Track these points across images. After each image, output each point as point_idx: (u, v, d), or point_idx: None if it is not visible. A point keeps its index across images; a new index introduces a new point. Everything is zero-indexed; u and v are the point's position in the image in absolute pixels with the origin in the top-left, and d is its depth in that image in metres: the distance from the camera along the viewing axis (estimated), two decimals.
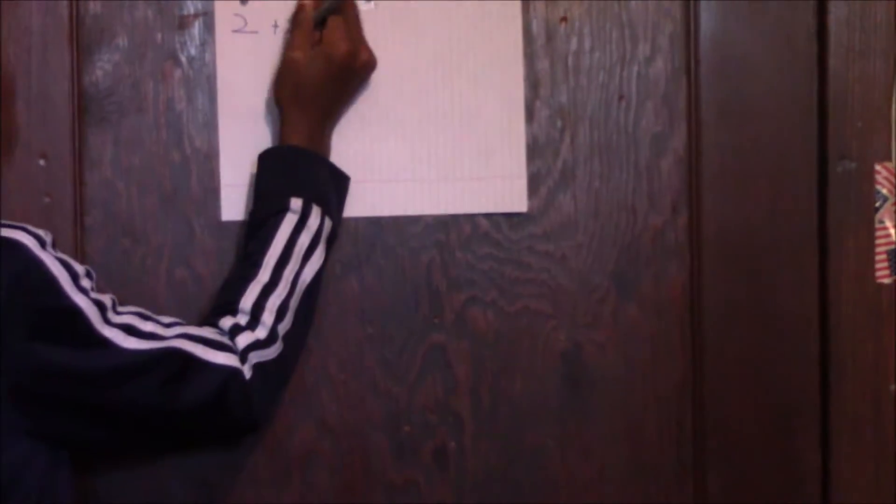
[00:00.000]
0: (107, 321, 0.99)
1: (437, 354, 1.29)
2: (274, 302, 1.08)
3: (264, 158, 1.17)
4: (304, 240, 1.12)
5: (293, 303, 1.09)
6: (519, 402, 1.30)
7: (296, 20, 1.20)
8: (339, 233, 1.17)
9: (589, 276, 1.30)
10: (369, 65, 1.21)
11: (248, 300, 1.07)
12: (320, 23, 1.20)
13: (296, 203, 1.13)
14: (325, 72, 1.17)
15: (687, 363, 1.31)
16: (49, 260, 0.96)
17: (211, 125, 1.26)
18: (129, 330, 1.00)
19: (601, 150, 1.30)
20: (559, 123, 1.30)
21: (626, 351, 1.31)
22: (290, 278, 1.09)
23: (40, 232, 0.97)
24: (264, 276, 1.09)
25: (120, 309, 1.01)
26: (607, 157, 1.30)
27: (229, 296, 1.10)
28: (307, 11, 1.19)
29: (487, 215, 1.28)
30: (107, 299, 1.01)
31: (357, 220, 1.28)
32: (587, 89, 1.30)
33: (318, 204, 1.14)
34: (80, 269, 0.99)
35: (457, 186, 1.27)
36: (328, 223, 1.14)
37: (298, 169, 1.15)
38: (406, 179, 1.28)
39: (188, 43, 1.27)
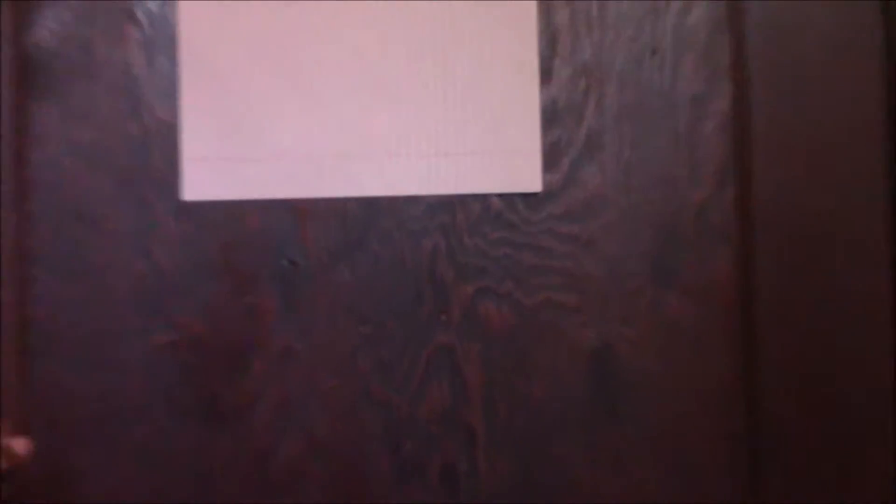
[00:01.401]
0: None
1: (443, 357, 1.14)
2: None
3: None
4: None
5: None
6: (540, 410, 1.14)
7: None
8: None
9: (621, 262, 1.14)
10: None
11: None
12: None
13: None
14: None
15: (736, 361, 1.14)
16: None
17: (173, 93, 1.12)
18: None
19: (632, 113, 1.14)
20: (582, 84, 1.14)
21: (665, 348, 1.15)
22: None
23: None
24: None
25: None
26: (639, 121, 1.14)
27: None
28: None
29: (500, 194, 1.13)
30: None
31: (346, 200, 1.13)
32: (614, 44, 1.14)
33: None
34: None
35: (461, 162, 1.11)
36: None
37: None
38: (402, 154, 1.12)
39: (146, 0, 1.11)
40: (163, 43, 1.13)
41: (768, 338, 1.14)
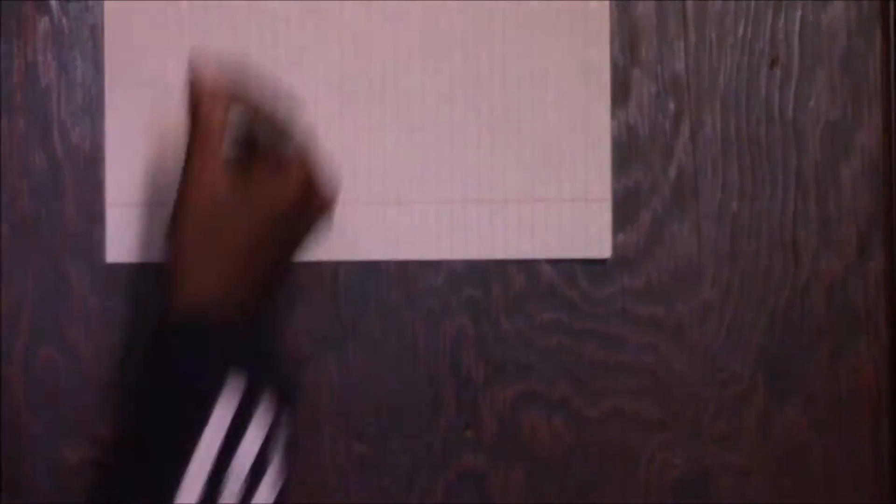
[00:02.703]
0: None
1: (469, 488, 0.97)
2: None
3: (162, 336, 0.83)
4: (248, 447, 0.80)
5: None
6: None
7: (196, 124, 0.82)
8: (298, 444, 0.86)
9: (722, 360, 0.98)
10: (325, 210, 0.87)
11: None
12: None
13: (235, 384, 0.80)
14: (254, 222, 0.83)
15: (885, 496, 0.98)
16: None
17: (97, 109, 0.94)
18: None
19: (741, 149, 0.97)
20: (671, 106, 0.96)
21: (782, 480, 0.97)
22: None
23: None
24: None
25: None
26: (752, 160, 0.97)
27: None
28: (218, 102, 0.83)
29: (553, 260, 0.97)
30: None
31: (335, 265, 0.97)
32: (718, 50, 0.97)
33: (272, 385, 0.82)
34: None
35: (499, 213, 0.96)
36: (285, 422, 0.82)
37: (228, 338, 0.83)
38: (418, 201, 0.95)
39: None
40: (81, 38, 0.94)
41: None
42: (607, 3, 0.94)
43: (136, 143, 0.93)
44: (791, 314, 0.96)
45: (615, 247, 0.95)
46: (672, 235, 0.96)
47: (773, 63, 0.96)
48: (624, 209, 0.95)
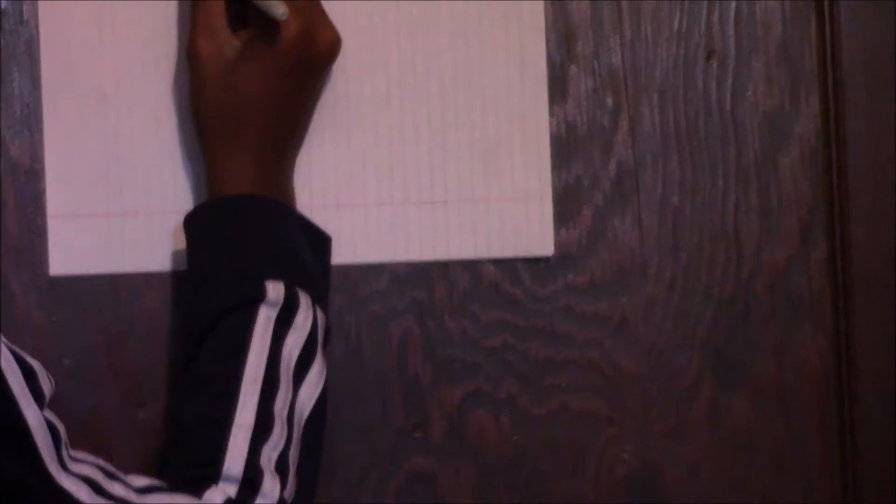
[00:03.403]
0: (63, 465, 0.82)
1: (419, 488, 0.99)
2: (270, 456, 0.87)
3: (197, 220, 0.92)
4: (292, 346, 0.89)
5: (294, 451, 0.88)
6: None
7: None
8: (332, 331, 0.93)
9: (668, 353, 0.99)
10: (333, 49, 0.93)
11: (234, 460, 0.87)
12: None
13: (275, 289, 0.88)
14: (263, 72, 0.91)
15: (833, 486, 1.00)
16: None
17: (35, 121, 0.95)
18: (94, 487, 0.83)
19: (680, 142, 0.99)
20: (609, 101, 0.98)
21: (730, 473, 0.99)
22: (285, 413, 0.88)
23: None
24: (246, 415, 0.87)
25: (73, 452, 0.85)
26: (691, 153, 0.99)
27: (202, 447, 0.89)
28: None
29: (496, 259, 0.98)
30: (61, 428, 0.83)
31: None
32: (654, 43, 0.98)
33: (305, 287, 0.90)
34: (34, 364, 0.83)
35: (440, 214, 0.97)
36: (321, 316, 0.91)
37: (261, 232, 0.92)
38: (358, 204, 0.96)
39: None
40: (17, 49, 0.95)
41: (878, 456, 0.99)
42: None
43: (75, 155, 0.94)
44: (735, 305, 0.98)
45: (557, 244, 0.96)
46: (614, 230, 0.98)
47: (710, 55, 0.98)
48: (565, 206, 0.97)
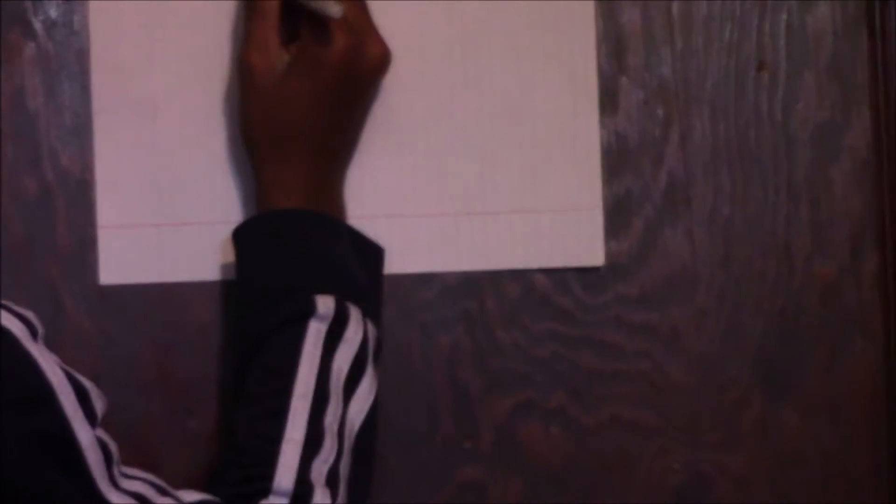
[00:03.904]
0: (114, 483, 0.83)
1: (470, 499, 0.98)
2: (321, 469, 0.87)
3: (246, 234, 0.92)
4: (342, 361, 0.89)
5: (344, 465, 0.89)
6: None
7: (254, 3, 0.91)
8: (383, 345, 0.93)
9: (718, 365, 0.99)
10: (382, 62, 0.92)
11: (285, 474, 0.87)
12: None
13: (325, 304, 0.88)
14: (313, 86, 0.91)
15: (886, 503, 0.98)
16: (44, 360, 0.80)
17: (85, 132, 0.94)
18: (144, 503, 0.84)
19: (731, 154, 0.98)
20: (660, 113, 0.97)
21: (782, 487, 0.99)
22: (335, 428, 0.88)
23: (29, 315, 0.82)
24: (296, 430, 0.87)
25: (125, 469, 0.86)
26: (742, 165, 0.98)
27: (254, 463, 0.89)
28: None
29: (546, 269, 0.97)
30: (113, 446, 0.84)
31: None
32: (705, 55, 0.98)
33: (355, 301, 0.90)
34: (87, 384, 0.83)
35: (491, 224, 0.96)
36: (372, 330, 0.90)
37: (310, 246, 0.92)
38: (409, 215, 0.96)
39: (45, 1, 0.94)
40: (68, 61, 0.94)
41: None
42: (592, 10, 0.94)
43: (126, 165, 0.93)
44: (786, 318, 0.98)
45: (608, 254, 0.96)
46: (665, 242, 0.97)
47: (761, 67, 0.97)
48: (616, 217, 0.96)
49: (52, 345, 0.89)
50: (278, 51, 0.90)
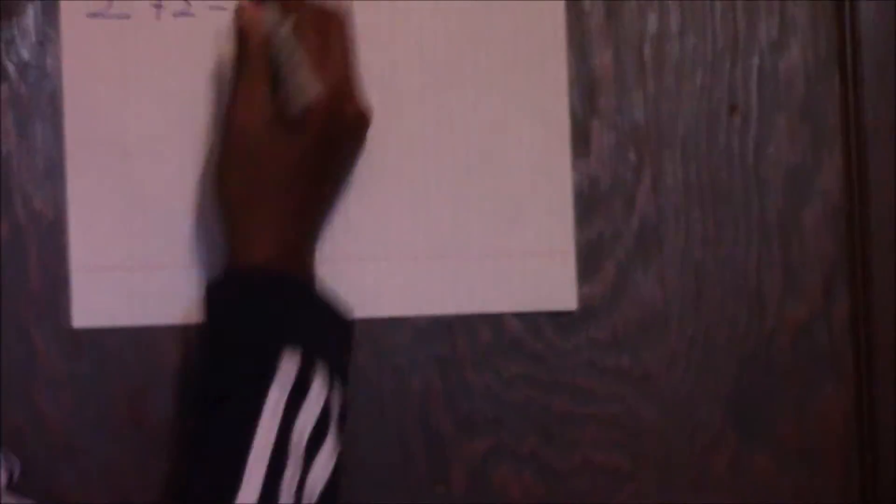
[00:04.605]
0: None
1: None
2: None
3: (216, 290, 0.89)
4: (304, 422, 0.85)
5: None
6: None
7: (241, 49, 0.87)
8: (349, 412, 0.90)
9: (690, 408, 0.97)
10: (361, 123, 0.90)
11: None
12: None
13: (288, 364, 0.85)
14: (289, 144, 0.87)
15: None
16: None
17: (58, 174, 0.93)
18: None
19: (703, 197, 0.97)
20: (632, 156, 0.96)
21: None
22: (293, 490, 0.83)
23: None
24: (249, 492, 0.83)
25: None
26: (714, 208, 0.97)
27: None
28: (258, 29, 0.86)
29: (519, 313, 0.96)
30: None
31: None
32: (677, 98, 0.97)
33: (323, 358, 0.87)
34: None
35: (463, 268, 0.95)
36: (337, 395, 0.87)
37: (278, 308, 0.89)
38: (381, 258, 0.94)
39: (18, 40, 0.93)
40: (40, 103, 0.93)
41: None
42: (564, 52, 0.93)
43: (99, 207, 0.92)
44: (758, 361, 0.96)
45: (580, 298, 0.95)
46: (637, 285, 0.96)
47: (732, 110, 0.96)
48: (588, 260, 0.95)
49: (23, 387, 0.92)
50: (266, 107, 0.86)
